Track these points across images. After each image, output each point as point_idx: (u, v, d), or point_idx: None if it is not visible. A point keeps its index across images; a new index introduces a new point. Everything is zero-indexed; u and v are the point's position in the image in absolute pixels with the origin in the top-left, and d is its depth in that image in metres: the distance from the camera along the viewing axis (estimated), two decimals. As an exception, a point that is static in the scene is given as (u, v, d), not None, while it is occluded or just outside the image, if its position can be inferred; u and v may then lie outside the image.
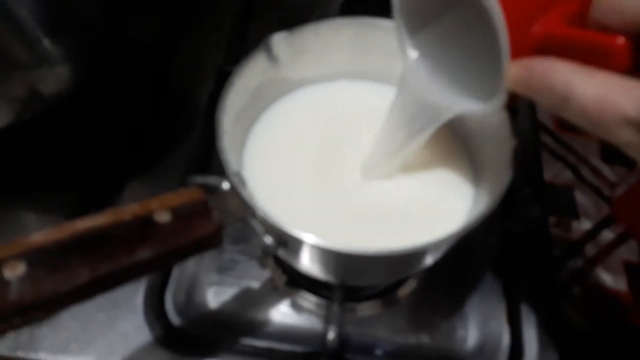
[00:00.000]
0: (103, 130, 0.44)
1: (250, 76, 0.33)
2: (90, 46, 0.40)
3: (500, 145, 0.30)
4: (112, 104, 0.45)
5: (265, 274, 0.38)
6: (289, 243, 0.27)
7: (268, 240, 0.28)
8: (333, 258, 0.28)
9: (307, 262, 0.30)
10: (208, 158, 0.42)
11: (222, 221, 0.25)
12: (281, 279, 0.37)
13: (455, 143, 0.35)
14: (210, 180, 0.38)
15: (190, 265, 0.38)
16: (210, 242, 0.25)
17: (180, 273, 0.38)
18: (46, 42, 0.36)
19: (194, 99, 0.47)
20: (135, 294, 0.36)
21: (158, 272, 0.35)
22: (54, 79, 0.38)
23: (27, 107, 0.37)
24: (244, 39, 0.51)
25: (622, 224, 0.49)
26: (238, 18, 0.51)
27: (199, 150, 0.42)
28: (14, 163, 0.41)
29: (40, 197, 0.42)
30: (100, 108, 0.44)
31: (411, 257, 0.29)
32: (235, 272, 0.38)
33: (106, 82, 0.44)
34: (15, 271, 0.19)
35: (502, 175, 0.28)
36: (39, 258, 0.20)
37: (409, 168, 0.34)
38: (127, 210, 0.23)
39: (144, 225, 0.23)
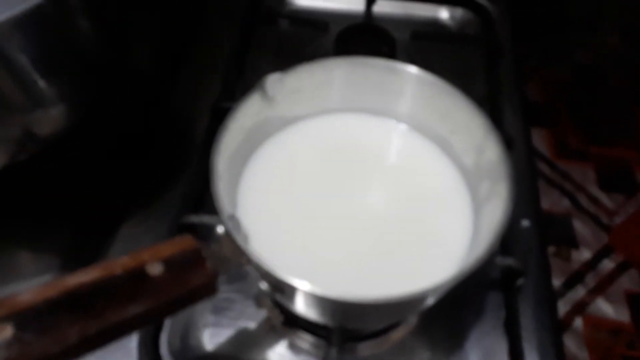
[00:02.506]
0: (98, 167, 0.43)
1: (245, 117, 0.32)
2: (87, 85, 0.40)
3: (496, 183, 0.30)
4: (107, 141, 0.45)
5: (262, 313, 0.37)
6: (284, 290, 0.27)
7: (263, 286, 0.27)
8: (330, 305, 0.28)
9: (303, 308, 0.29)
10: (203, 195, 0.42)
11: (216, 270, 0.25)
12: (278, 319, 0.37)
13: (455, 177, 0.35)
14: (205, 219, 0.38)
15: (185, 306, 0.37)
16: (204, 292, 0.25)
17: (176, 315, 0.37)
18: (42, 84, 0.36)
19: (190, 135, 0.47)
20: (129, 338, 0.35)
21: (151, 325, 0.34)
22: (50, 120, 0.38)
23: (22, 149, 0.37)
24: (240, 72, 0.51)
25: (621, 253, 0.48)
26: (234, 52, 0.51)
27: (194, 187, 0.42)
28: (7, 202, 0.41)
29: (34, 235, 0.41)
30: (95, 145, 0.44)
31: (410, 302, 0.28)
32: (232, 313, 0.38)
33: (101, 119, 0.44)
34: (3, 335, 0.19)
35: (498, 218, 0.27)
36: (27, 319, 0.19)
37: (408, 205, 0.34)
38: (118, 263, 0.23)
39: (136, 279, 0.22)
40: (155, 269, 0.23)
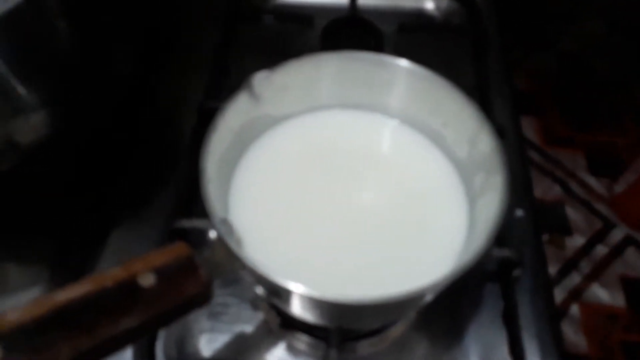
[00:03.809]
0: (84, 174, 0.42)
1: (233, 117, 0.32)
2: (68, 90, 0.39)
3: (491, 175, 0.30)
4: (92, 146, 0.43)
5: (259, 316, 0.37)
6: (280, 294, 0.26)
7: (259, 290, 0.27)
8: (327, 307, 0.27)
9: (300, 311, 0.29)
10: (194, 198, 0.41)
11: (211, 277, 0.24)
12: (275, 321, 0.36)
13: (449, 170, 0.34)
14: (197, 223, 0.37)
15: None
16: (199, 300, 0.24)
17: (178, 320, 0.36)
18: (21, 90, 0.35)
19: (177, 136, 0.46)
20: (124, 348, 0.34)
21: (145, 337, 0.33)
22: (31, 127, 0.37)
23: (4, 159, 0.36)
24: (225, 71, 0.50)
25: (623, 222, 0.49)
26: (217, 50, 0.50)
27: (183, 190, 0.41)
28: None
29: (21, 247, 0.40)
30: (80, 152, 0.43)
31: (408, 301, 0.28)
32: (227, 317, 0.37)
33: (84, 124, 0.43)
34: (-10, 358, 0.18)
35: (494, 210, 0.27)
36: (16, 340, 0.19)
37: (402, 201, 0.33)
38: (109, 275, 0.22)
39: (128, 291, 0.22)
40: (147, 279, 0.22)
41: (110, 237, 0.39)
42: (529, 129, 0.56)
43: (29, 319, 0.19)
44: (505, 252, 0.36)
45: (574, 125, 0.57)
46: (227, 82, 0.49)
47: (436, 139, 0.35)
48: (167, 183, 0.42)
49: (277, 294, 0.27)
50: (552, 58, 0.63)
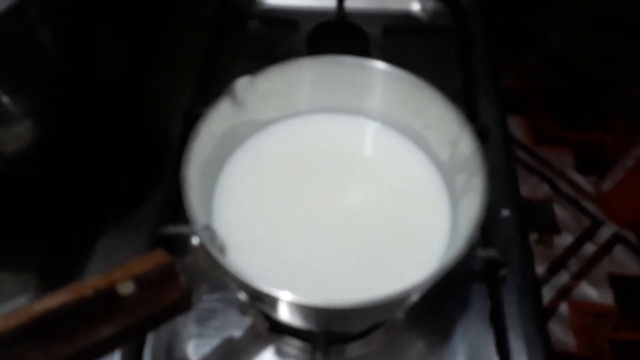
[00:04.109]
0: (69, 180, 0.42)
1: (215, 123, 0.32)
2: (52, 99, 0.39)
3: (472, 176, 0.30)
4: (77, 152, 0.43)
5: (247, 321, 0.37)
6: (264, 300, 0.26)
7: (242, 296, 0.27)
8: (312, 312, 0.27)
9: (286, 316, 0.29)
10: (180, 204, 0.41)
11: (191, 285, 0.24)
12: (263, 325, 0.36)
13: (432, 172, 0.35)
14: (183, 229, 0.38)
15: (168, 318, 0.37)
16: (179, 307, 0.24)
17: (155, 330, 0.36)
18: (4, 100, 0.35)
19: (164, 142, 0.46)
20: (112, 353, 0.35)
21: (127, 344, 0.33)
22: (15, 137, 0.37)
23: (-13, 168, 0.36)
24: (212, 75, 0.50)
25: (611, 220, 0.49)
26: (204, 55, 0.50)
27: (169, 196, 0.41)
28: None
29: (9, 255, 0.40)
30: (65, 158, 0.43)
31: (393, 302, 0.28)
32: (216, 322, 0.37)
33: (69, 131, 0.43)
34: (-33, 369, 0.18)
35: (475, 211, 0.27)
36: (-7, 350, 0.19)
37: (385, 204, 0.34)
38: (89, 284, 0.22)
39: (107, 300, 0.22)
40: (126, 288, 0.22)
41: (98, 243, 0.39)
42: (517, 128, 0.57)
43: (6, 328, 0.19)
44: (491, 252, 0.37)
45: (562, 124, 0.57)
46: (215, 86, 0.49)
47: (419, 141, 0.35)
48: (155, 189, 0.42)
49: (261, 300, 0.27)
50: (539, 56, 0.63)
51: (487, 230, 0.41)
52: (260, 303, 0.27)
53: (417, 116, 0.34)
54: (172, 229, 0.37)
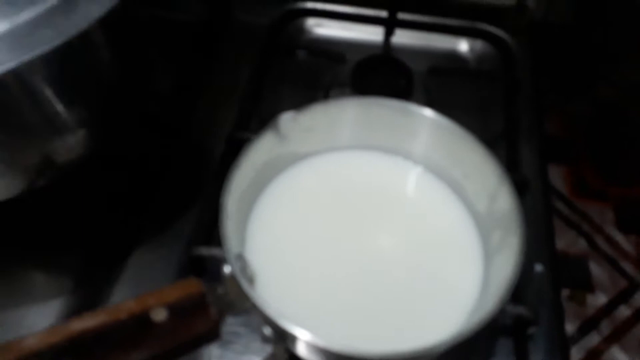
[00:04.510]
0: (112, 193, 0.44)
1: (257, 154, 0.33)
2: (106, 115, 0.41)
3: (508, 234, 0.30)
4: (123, 167, 0.45)
5: (268, 349, 0.37)
6: (285, 336, 0.27)
7: (267, 331, 0.27)
8: (328, 355, 0.27)
9: (306, 354, 0.29)
10: (214, 227, 0.42)
11: (220, 316, 0.25)
12: (283, 357, 0.36)
13: (468, 223, 0.34)
14: (215, 252, 0.38)
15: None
16: (207, 337, 0.25)
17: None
18: (63, 113, 0.37)
19: (205, 164, 0.47)
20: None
21: None
22: (69, 146, 0.38)
23: (40, 175, 0.38)
24: (257, 101, 0.51)
25: None
26: (251, 81, 0.52)
27: (205, 218, 0.42)
28: (24, 226, 0.41)
29: (48, 259, 0.42)
30: (111, 172, 0.44)
31: (416, 358, 0.28)
32: (237, 347, 0.37)
33: (118, 146, 0.44)
34: (5, 382, 0.19)
35: (509, 272, 0.27)
36: (30, 366, 0.20)
37: (418, 250, 0.33)
38: (124, 307, 0.23)
39: (140, 325, 0.22)
40: (159, 314, 0.23)
41: (132, 256, 0.41)
42: (558, 178, 0.55)
43: (45, 346, 0.20)
44: (520, 310, 0.36)
45: (605, 178, 0.55)
46: (258, 112, 0.50)
47: (458, 190, 0.35)
48: (192, 209, 0.43)
49: (283, 336, 0.27)
50: (587, 105, 0.62)
51: (518, 285, 0.40)
52: (281, 339, 0.27)
53: (458, 165, 0.34)
54: (205, 251, 0.38)
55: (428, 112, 0.34)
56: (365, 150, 0.37)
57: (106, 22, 0.31)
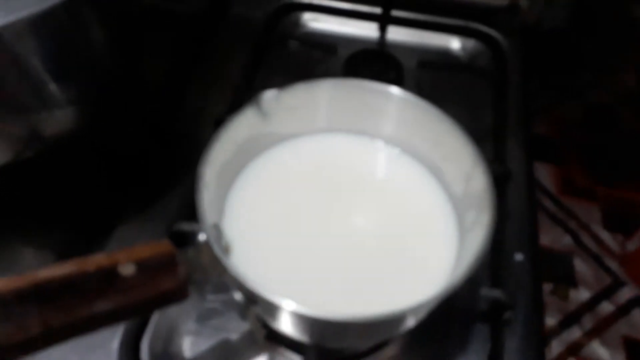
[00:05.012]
0: (101, 169, 0.45)
1: (238, 130, 0.33)
2: (96, 90, 0.42)
3: (481, 212, 0.30)
4: (112, 145, 0.46)
5: (245, 326, 0.38)
6: (257, 302, 0.27)
7: (238, 297, 0.28)
8: (305, 322, 0.28)
9: (279, 323, 0.29)
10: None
11: (188, 277, 0.25)
12: (261, 332, 0.37)
13: (444, 204, 0.35)
14: (196, 227, 0.39)
15: (170, 312, 0.38)
16: (174, 296, 0.25)
17: (160, 319, 0.37)
18: (52, 87, 0.37)
19: (194, 146, 0.47)
20: (111, 338, 0.36)
21: (118, 324, 0.34)
22: (56, 121, 0.39)
23: (27, 147, 0.39)
24: (249, 89, 0.52)
25: (635, 282, 0.47)
26: (244, 70, 0.53)
27: (189, 195, 0.42)
28: (11, 198, 0.42)
29: (36, 232, 0.43)
30: (100, 148, 0.45)
31: (386, 323, 0.28)
32: (215, 322, 0.38)
33: (108, 124, 0.45)
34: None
35: (477, 246, 0.27)
36: (-7, 306, 0.20)
37: (394, 228, 0.34)
38: (93, 260, 0.23)
39: (107, 277, 0.23)
40: (127, 269, 0.23)
41: (116, 231, 0.41)
42: (546, 176, 0.56)
43: (8, 289, 0.21)
44: (495, 293, 0.36)
45: (593, 177, 0.56)
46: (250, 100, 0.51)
47: (436, 172, 0.36)
48: (177, 188, 0.44)
49: (255, 302, 0.27)
50: (579, 107, 0.62)
51: (497, 271, 0.40)
52: (253, 305, 0.28)
53: (436, 147, 0.35)
54: (186, 226, 0.39)
55: (407, 95, 0.34)
56: (345, 133, 0.38)
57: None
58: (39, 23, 0.31)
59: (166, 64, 0.52)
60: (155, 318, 0.37)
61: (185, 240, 0.39)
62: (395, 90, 0.35)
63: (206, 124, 0.48)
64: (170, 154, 0.47)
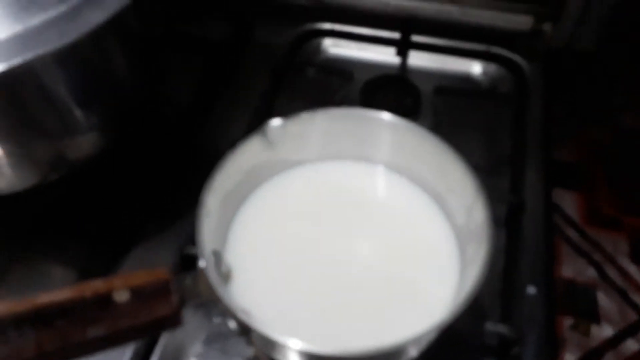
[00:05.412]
0: (122, 190, 0.47)
1: (243, 158, 0.34)
2: (120, 115, 0.44)
3: (479, 246, 0.30)
4: (136, 167, 0.48)
5: (250, 351, 0.38)
6: (247, 331, 0.28)
7: (232, 325, 0.28)
8: (300, 355, 0.28)
9: (274, 352, 0.29)
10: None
11: (181, 304, 0.26)
12: (264, 358, 0.37)
13: (447, 235, 0.35)
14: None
15: (179, 333, 0.39)
16: (168, 323, 0.26)
17: (168, 340, 0.38)
18: (77, 113, 0.40)
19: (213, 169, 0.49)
20: (120, 359, 0.37)
21: (112, 348, 0.36)
22: (82, 145, 0.41)
23: (53, 170, 0.41)
24: (269, 114, 0.53)
25: None
26: (264, 95, 0.54)
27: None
28: (36, 217, 0.45)
29: (55, 249, 0.45)
30: (124, 170, 0.47)
31: (385, 355, 0.28)
32: (221, 346, 0.38)
33: (132, 147, 0.47)
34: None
35: (472, 280, 0.27)
36: (-8, 329, 0.21)
37: (397, 259, 0.34)
38: (90, 286, 0.24)
39: (102, 303, 0.24)
40: (121, 296, 0.25)
41: (132, 252, 0.43)
42: (571, 205, 0.54)
43: (7, 313, 0.22)
44: (500, 328, 0.35)
45: (620, 206, 0.53)
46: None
47: (441, 203, 0.35)
48: (195, 210, 0.45)
49: (246, 332, 0.28)
50: (608, 131, 0.60)
51: (507, 304, 0.39)
52: (246, 336, 0.28)
53: (442, 179, 0.35)
54: (194, 250, 0.39)
55: (415, 128, 0.34)
56: (353, 160, 0.38)
57: (112, 30, 0.34)
58: (64, 55, 0.33)
59: (189, 90, 0.54)
60: (163, 339, 0.38)
61: (194, 264, 0.40)
62: (402, 122, 0.35)
63: (226, 147, 0.49)
64: (190, 177, 0.49)
